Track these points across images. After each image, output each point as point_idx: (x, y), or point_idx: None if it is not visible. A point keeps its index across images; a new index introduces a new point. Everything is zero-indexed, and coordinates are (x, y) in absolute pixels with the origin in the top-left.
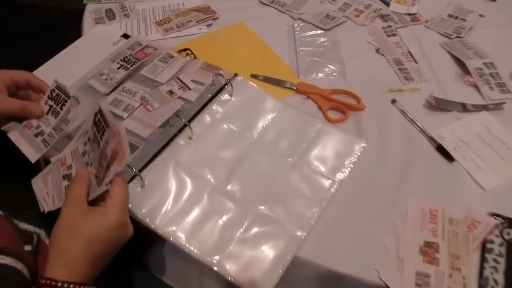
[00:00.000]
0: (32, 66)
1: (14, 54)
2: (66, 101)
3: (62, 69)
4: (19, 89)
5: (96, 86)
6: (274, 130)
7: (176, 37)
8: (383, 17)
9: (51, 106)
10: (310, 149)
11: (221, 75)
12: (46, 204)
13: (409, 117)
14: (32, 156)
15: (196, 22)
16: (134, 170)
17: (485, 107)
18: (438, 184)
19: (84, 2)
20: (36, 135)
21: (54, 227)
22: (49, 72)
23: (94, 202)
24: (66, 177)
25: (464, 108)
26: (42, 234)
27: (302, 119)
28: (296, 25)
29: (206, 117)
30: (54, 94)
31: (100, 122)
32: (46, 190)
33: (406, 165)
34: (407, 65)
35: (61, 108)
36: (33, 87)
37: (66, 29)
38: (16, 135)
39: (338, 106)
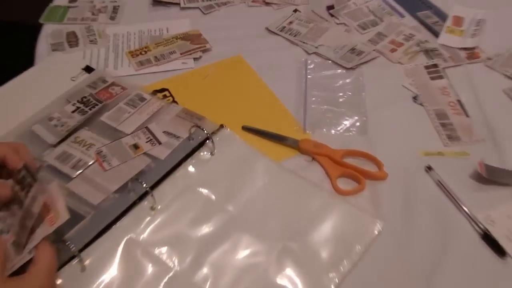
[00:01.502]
0: None
1: None
2: (31, 185)
3: (3, 108)
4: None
5: (42, 134)
6: (264, 203)
7: (153, 73)
8: (429, 52)
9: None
10: (309, 230)
11: (200, 127)
12: None
13: (447, 192)
14: None
15: (181, 54)
16: (73, 248)
17: None
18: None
19: (40, 21)
20: None
21: None
22: None
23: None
24: None
25: None
26: None
27: (302, 189)
28: (309, 61)
29: (177, 181)
30: (20, 176)
31: (25, 179)
32: None
33: (437, 258)
34: (454, 120)
35: (26, 195)
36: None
37: (20, 51)
38: None
39: (351, 173)
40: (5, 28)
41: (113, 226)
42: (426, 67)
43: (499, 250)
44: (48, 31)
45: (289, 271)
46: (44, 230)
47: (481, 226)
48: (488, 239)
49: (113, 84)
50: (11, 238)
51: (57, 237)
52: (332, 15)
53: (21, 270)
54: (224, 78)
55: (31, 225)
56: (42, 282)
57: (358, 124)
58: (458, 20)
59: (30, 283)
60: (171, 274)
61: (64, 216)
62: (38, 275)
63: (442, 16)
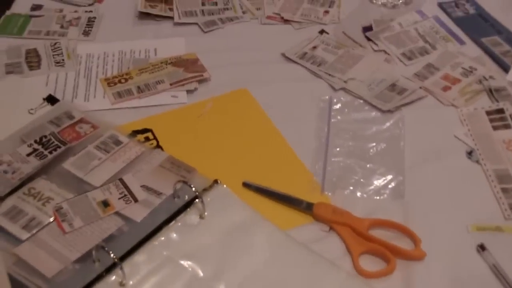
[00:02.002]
0: None
1: None
2: None
3: None
4: None
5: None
6: (265, 283)
7: (134, 108)
8: (493, 92)
9: None
10: None
11: (187, 183)
12: None
13: (504, 279)
14: None
15: (171, 84)
16: None
17: None
18: None
19: None
20: None
21: None
22: None
23: None
24: None
25: None
26: None
27: (315, 267)
28: (335, 100)
29: (155, 250)
30: None
31: None
32: None
33: None
34: None
35: None
36: None
37: None
38: None
39: (379, 249)
40: None
41: None
42: (488, 113)
43: None
44: (3, 48)
45: None
46: None
47: None
48: None
49: (81, 121)
50: None
51: None
52: (369, 39)
53: None
54: (223, 119)
55: None
56: None
57: (392, 185)
58: None
59: None
60: None
61: None
62: None
63: None
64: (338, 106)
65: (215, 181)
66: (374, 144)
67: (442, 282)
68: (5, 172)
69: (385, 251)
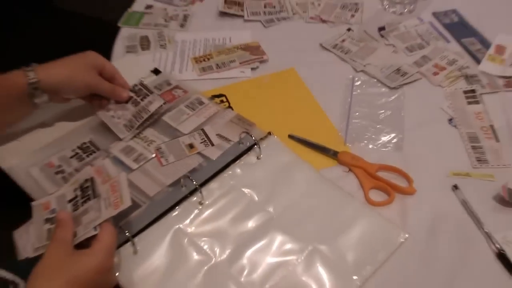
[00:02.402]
0: None
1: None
2: (148, 95)
3: (80, 102)
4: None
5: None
6: (301, 207)
7: (213, 79)
8: (469, 78)
9: (75, 196)
10: (339, 235)
11: (249, 133)
12: (25, 251)
13: (470, 211)
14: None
15: (240, 63)
16: (127, 234)
17: None
18: None
19: (118, 24)
20: (46, 220)
21: (33, 270)
22: (65, 104)
23: (82, 248)
24: (49, 220)
25: None
26: (21, 285)
27: (337, 197)
28: (356, 78)
29: (224, 180)
30: (136, 88)
31: (141, 90)
32: (27, 237)
33: (454, 272)
34: (485, 144)
35: (142, 100)
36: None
37: (105, 45)
38: (37, 172)
39: (382, 186)
40: (88, 22)
41: (164, 216)
42: (465, 92)
43: (510, 270)
44: (125, 34)
45: (316, 271)
46: (110, 211)
47: (497, 246)
48: (503, 258)
49: (176, 87)
50: (82, 215)
51: (116, 221)
52: (382, 36)
53: (85, 242)
54: (276, 89)
55: (146, 117)
56: (103, 258)
57: (394, 141)
58: (500, 49)
59: (92, 258)
60: (211, 263)
61: (127, 202)
62: (100, 251)
63: (486, 44)
64: (358, 83)
65: (269, 133)
66: (383, 111)
67: (426, 210)
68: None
69: (387, 187)
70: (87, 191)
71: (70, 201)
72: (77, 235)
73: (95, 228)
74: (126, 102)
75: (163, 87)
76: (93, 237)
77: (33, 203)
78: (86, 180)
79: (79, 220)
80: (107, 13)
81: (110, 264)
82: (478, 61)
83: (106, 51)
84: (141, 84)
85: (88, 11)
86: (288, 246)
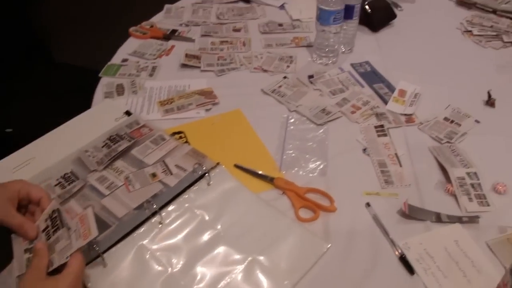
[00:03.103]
0: (56, 123)
1: (47, 110)
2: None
3: (65, 139)
4: (30, 203)
5: (86, 162)
6: (243, 224)
7: (174, 119)
8: (378, 115)
9: (47, 226)
10: (274, 246)
11: (201, 164)
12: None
13: (380, 223)
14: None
15: (196, 105)
16: (98, 250)
17: (459, 219)
18: None
19: (100, 75)
20: (25, 251)
21: None
22: (53, 141)
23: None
24: (28, 250)
25: (438, 218)
26: None
27: (272, 215)
28: (290, 117)
29: (180, 203)
30: (53, 216)
31: (56, 220)
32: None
33: (366, 274)
34: (391, 168)
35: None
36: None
37: (85, 92)
38: (14, 239)
39: (310, 205)
40: (80, 72)
41: (130, 235)
42: (375, 127)
43: (410, 270)
44: (104, 82)
45: (255, 278)
46: (80, 242)
47: (399, 251)
48: (403, 260)
49: (144, 126)
50: (54, 245)
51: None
52: (311, 82)
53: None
54: (225, 127)
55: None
56: (72, 282)
57: (320, 167)
58: (402, 92)
59: (63, 282)
60: (168, 274)
61: (94, 233)
62: (69, 276)
63: (391, 89)
64: (292, 120)
65: (218, 163)
66: (311, 143)
67: (345, 224)
68: (89, 156)
69: (313, 206)
70: (56, 221)
71: (43, 230)
72: (53, 264)
73: (66, 256)
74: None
75: (133, 126)
76: (64, 263)
77: (13, 235)
78: (54, 211)
79: (53, 248)
80: (96, 65)
81: (79, 287)
82: (385, 102)
83: (88, 95)
84: (58, 211)
85: (80, 63)
86: (232, 257)
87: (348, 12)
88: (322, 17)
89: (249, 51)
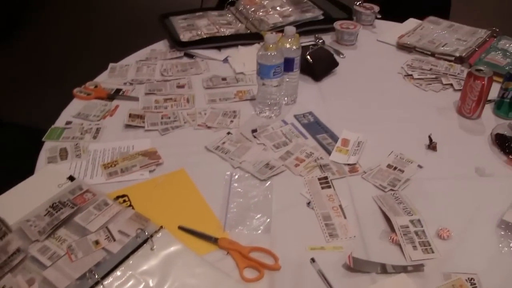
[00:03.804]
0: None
1: None
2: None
3: (9, 207)
4: None
5: (28, 232)
6: (188, 286)
7: (118, 182)
8: (322, 167)
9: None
10: None
11: (143, 229)
12: None
13: (325, 279)
14: None
15: (140, 167)
16: None
17: (404, 269)
18: None
19: (43, 139)
20: None
21: None
22: None
23: None
24: None
25: (384, 269)
26: None
27: (216, 278)
28: (234, 174)
29: (124, 270)
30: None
31: None
32: None
33: None
34: (335, 221)
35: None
36: None
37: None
38: None
39: (254, 265)
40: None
41: None
42: (319, 179)
43: None
44: (48, 147)
45: None
46: None
47: None
48: None
49: (87, 191)
50: None
51: None
52: (255, 137)
53: None
54: (169, 188)
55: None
56: None
57: (264, 224)
58: (345, 142)
59: None
60: None
61: None
62: None
63: (335, 138)
64: (236, 177)
65: (161, 227)
66: (255, 199)
67: (290, 282)
68: (31, 226)
69: (258, 266)
70: None
71: None
72: None
73: None
74: None
75: (76, 192)
76: None
77: None
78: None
79: None
80: (44, 124)
81: None
82: (329, 152)
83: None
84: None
85: (25, 124)
86: None
87: (288, 64)
88: (262, 71)
89: (193, 108)
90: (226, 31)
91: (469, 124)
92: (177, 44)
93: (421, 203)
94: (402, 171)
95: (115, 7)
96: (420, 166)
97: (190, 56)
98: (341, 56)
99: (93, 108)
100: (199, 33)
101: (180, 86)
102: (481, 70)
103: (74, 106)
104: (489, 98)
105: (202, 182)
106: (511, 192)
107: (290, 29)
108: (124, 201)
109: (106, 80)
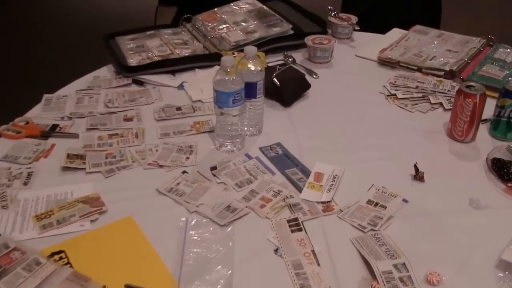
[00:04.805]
0: None
1: None
2: None
3: None
4: None
5: None
6: None
7: (54, 236)
8: (292, 207)
9: None
10: None
11: None
12: None
13: None
14: None
15: (80, 216)
16: None
17: None
18: None
19: None
20: None
21: None
22: None
23: None
24: None
25: None
26: None
27: None
28: (190, 219)
29: None
30: None
31: None
32: None
33: None
34: (307, 269)
35: None
36: None
37: None
38: None
39: None
40: None
41: None
42: (288, 221)
43: None
44: None
45: None
46: None
47: None
48: None
49: (15, 249)
50: None
51: None
52: (214, 175)
53: None
54: (114, 239)
55: None
56: None
57: (225, 278)
58: (318, 176)
59: None
60: None
61: None
62: None
63: (306, 173)
64: (192, 223)
65: (104, 286)
66: (215, 247)
67: None
68: None
69: None
70: None
71: None
72: None
73: None
74: None
75: (1, 251)
76: None
77: None
78: None
79: None
80: None
81: None
82: (300, 189)
83: None
84: None
85: None
86: None
87: (250, 90)
88: (220, 99)
89: (142, 144)
90: (182, 52)
91: (462, 148)
92: (124, 69)
93: (407, 244)
94: (385, 207)
95: (49, 26)
96: (405, 201)
97: (140, 83)
98: (314, 76)
99: (24, 149)
100: (150, 55)
101: (128, 119)
102: (472, 86)
103: (0, 147)
104: (484, 117)
105: (153, 231)
106: (511, 226)
107: (251, 49)
108: (61, 258)
109: (39, 114)
